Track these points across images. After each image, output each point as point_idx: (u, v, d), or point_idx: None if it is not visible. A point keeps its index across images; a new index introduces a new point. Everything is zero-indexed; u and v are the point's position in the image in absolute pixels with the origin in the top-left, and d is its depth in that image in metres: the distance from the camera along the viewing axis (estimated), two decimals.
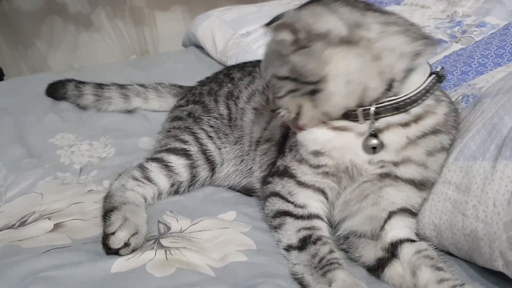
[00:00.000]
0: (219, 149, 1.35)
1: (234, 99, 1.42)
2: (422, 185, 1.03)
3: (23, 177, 1.44)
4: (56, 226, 1.22)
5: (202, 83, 1.59)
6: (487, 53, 1.55)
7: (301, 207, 1.10)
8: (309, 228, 1.07)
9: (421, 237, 1.07)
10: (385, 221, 1.05)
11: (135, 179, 1.28)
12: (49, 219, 1.24)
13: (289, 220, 1.10)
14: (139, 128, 1.73)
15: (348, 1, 1.06)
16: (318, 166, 1.07)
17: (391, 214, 1.05)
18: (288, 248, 1.07)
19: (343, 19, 1.00)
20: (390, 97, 0.98)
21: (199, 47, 2.43)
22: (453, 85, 1.45)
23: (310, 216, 1.10)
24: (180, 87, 1.81)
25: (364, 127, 1.01)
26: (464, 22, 1.82)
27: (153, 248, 1.08)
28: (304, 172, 1.09)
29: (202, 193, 1.36)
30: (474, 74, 1.46)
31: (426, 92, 0.99)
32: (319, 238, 1.05)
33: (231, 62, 2.05)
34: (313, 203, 1.10)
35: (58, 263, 1.02)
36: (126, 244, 1.06)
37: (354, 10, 1.03)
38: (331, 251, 1.02)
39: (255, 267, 1.01)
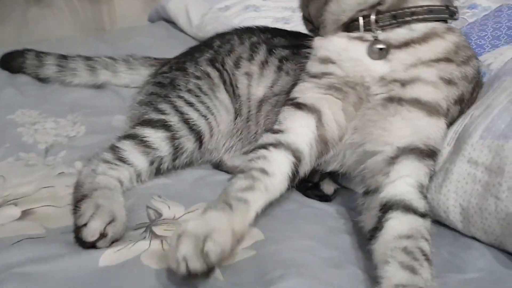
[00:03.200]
0: (204, 116, 1.20)
1: (219, 63, 1.30)
2: (432, 109, 0.94)
3: None
4: (25, 213, 1.05)
5: (184, 54, 1.45)
6: (484, 34, 1.50)
7: (278, 132, 1.00)
8: (252, 160, 0.96)
9: (440, 219, 0.98)
10: (390, 163, 0.93)
11: (106, 161, 1.12)
12: (16, 205, 1.07)
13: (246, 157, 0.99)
14: (111, 105, 1.56)
15: None
16: (323, 74, 1.00)
17: (397, 155, 0.93)
18: None
19: None
20: None
21: (170, 21, 2.27)
22: None
23: (272, 145, 0.98)
24: (156, 59, 1.65)
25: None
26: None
27: (145, 237, 0.94)
28: (303, 89, 1.03)
29: (191, 175, 1.22)
30: None
31: (429, 12, 0.97)
32: (246, 171, 0.93)
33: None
34: (297, 128, 1.00)
35: (34, 256, 0.86)
36: (103, 235, 0.91)
37: None
38: (246, 189, 0.89)
39: (268, 259, 0.88)
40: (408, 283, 0.77)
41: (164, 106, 1.22)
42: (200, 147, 1.21)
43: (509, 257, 0.89)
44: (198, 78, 1.27)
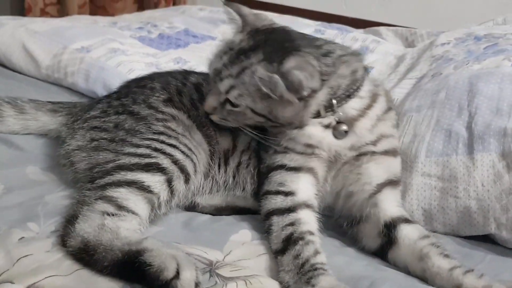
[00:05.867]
0: (188, 156, 1.16)
1: (179, 103, 1.27)
2: (395, 152, 1.22)
3: None
4: None
5: (113, 97, 1.33)
6: None
7: (291, 194, 1.12)
8: (292, 224, 1.07)
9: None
10: (373, 196, 1.14)
11: (111, 214, 1.00)
12: (12, 283, 0.85)
13: (275, 219, 1.09)
14: (8, 157, 1.29)
15: (314, 52, 1.14)
16: (309, 154, 1.15)
17: (379, 189, 1.15)
18: (276, 254, 1.05)
19: (318, 73, 1.12)
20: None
21: None
22: None
23: (296, 207, 1.10)
24: (52, 103, 1.43)
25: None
26: None
27: (216, 282, 0.91)
28: (293, 158, 1.15)
29: (175, 220, 1.16)
30: None
31: (362, 80, 1.19)
32: (301, 237, 1.04)
33: (77, 78, 1.75)
34: (302, 186, 1.14)
35: None
36: (197, 285, 0.87)
37: (319, 61, 1.13)
38: (316, 253, 1.02)
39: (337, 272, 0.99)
40: (455, 265, 1.02)
41: (141, 150, 1.13)
42: (186, 188, 1.17)
43: (461, 239, 1.23)
44: (163, 120, 1.21)
